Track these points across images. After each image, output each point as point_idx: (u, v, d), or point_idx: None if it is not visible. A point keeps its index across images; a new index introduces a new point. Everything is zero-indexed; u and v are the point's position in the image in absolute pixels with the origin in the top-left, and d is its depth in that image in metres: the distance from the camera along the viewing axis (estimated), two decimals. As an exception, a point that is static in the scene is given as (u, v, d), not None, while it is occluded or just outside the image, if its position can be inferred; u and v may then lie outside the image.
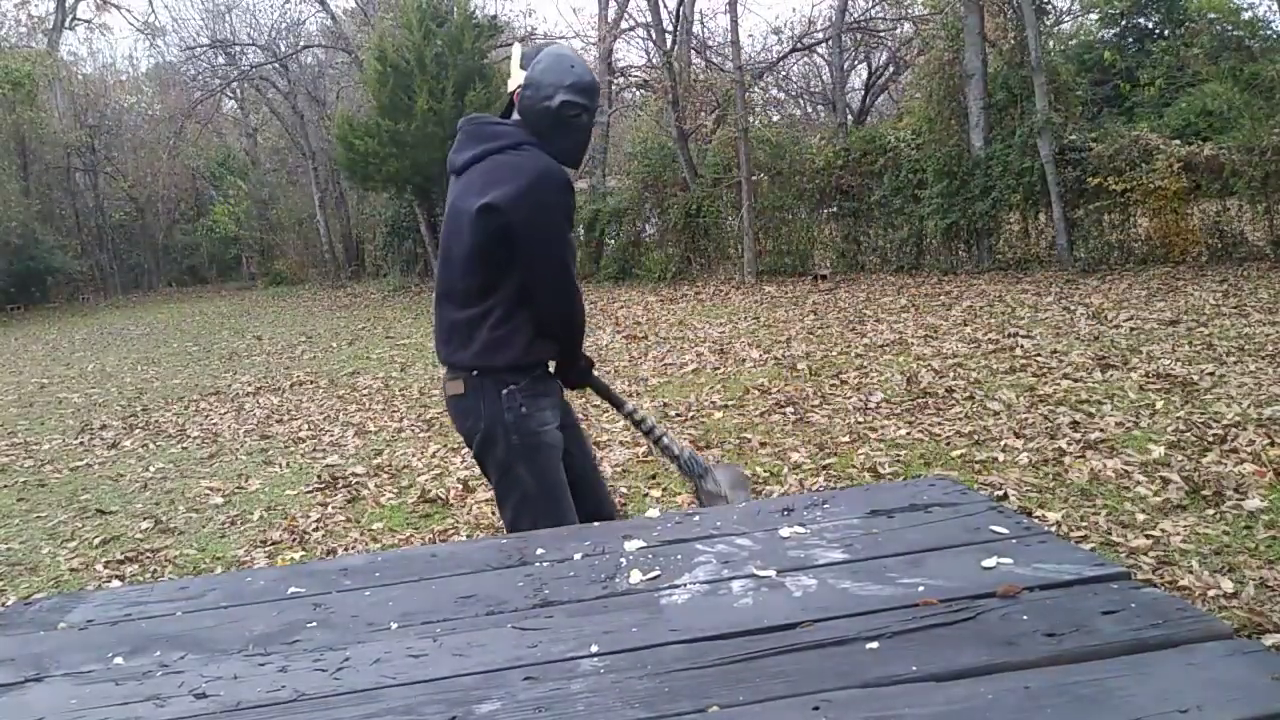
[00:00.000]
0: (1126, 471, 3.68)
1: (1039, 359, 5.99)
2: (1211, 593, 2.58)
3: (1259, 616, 2.40)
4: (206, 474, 5.28)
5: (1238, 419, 4.20)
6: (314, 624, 1.14)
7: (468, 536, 3.74)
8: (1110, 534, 3.09)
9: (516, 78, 2.00)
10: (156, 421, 7.00)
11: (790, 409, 5.30)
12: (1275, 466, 3.52)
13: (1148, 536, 3.04)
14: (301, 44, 20.98)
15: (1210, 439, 3.97)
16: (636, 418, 2.34)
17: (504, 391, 1.94)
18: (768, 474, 4.14)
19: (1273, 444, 3.78)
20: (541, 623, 1.08)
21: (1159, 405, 4.59)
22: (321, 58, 21.84)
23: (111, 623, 1.23)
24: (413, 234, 17.73)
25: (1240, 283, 8.18)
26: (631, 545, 1.33)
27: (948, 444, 4.36)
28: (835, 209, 12.50)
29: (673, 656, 0.96)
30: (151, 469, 5.51)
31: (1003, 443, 4.26)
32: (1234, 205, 9.76)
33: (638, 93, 18.08)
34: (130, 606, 1.28)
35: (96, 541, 4.21)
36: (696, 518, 1.44)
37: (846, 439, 4.58)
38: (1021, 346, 6.43)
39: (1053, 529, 2.71)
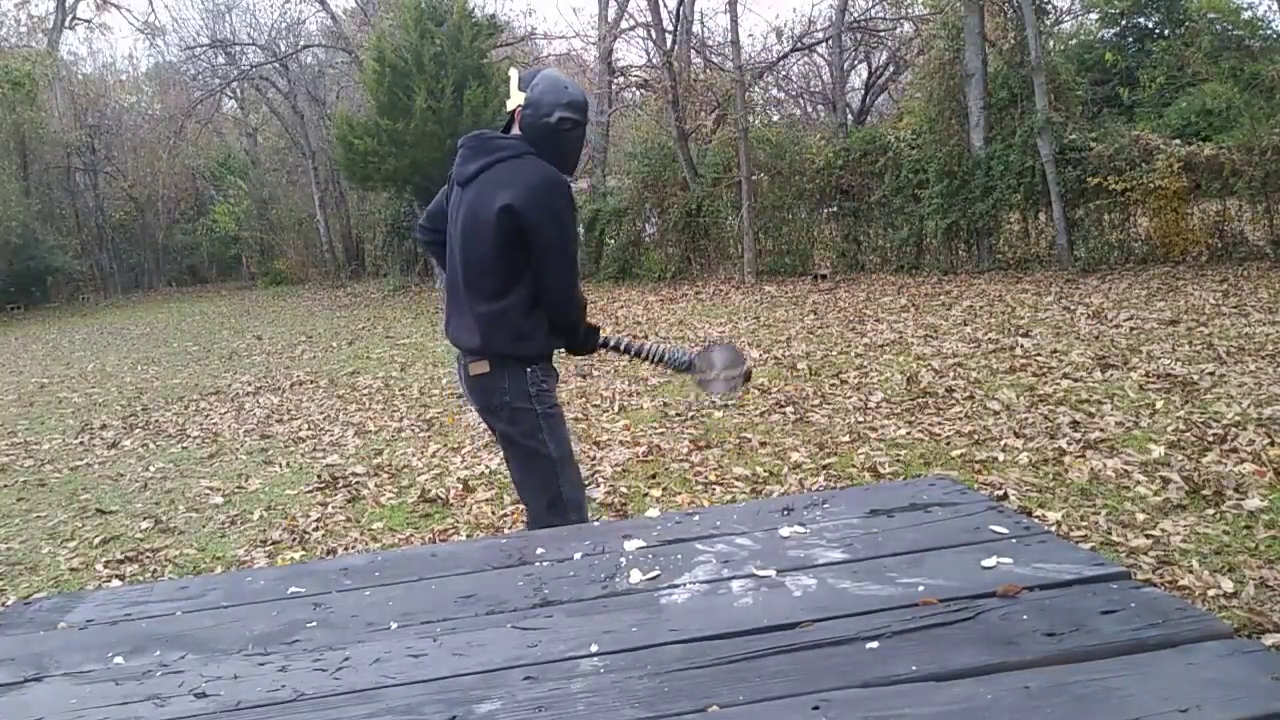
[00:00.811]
0: (1126, 471, 3.67)
1: (1039, 359, 5.99)
2: (1211, 592, 2.58)
3: (1259, 616, 2.40)
4: (206, 474, 5.28)
5: (1238, 419, 4.20)
6: (314, 624, 1.14)
7: (467, 536, 3.74)
8: (1110, 534, 3.09)
9: (516, 98, 2.28)
10: (156, 421, 7.00)
11: (790, 408, 5.30)
12: (1275, 466, 3.52)
13: (1148, 536, 3.04)
14: (301, 44, 20.97)
15: (1210, 439, 3.97)
16: (634, 349, 2.54)
17: (528, 370, 2.26)
18: (768, 474, 4.14)
19: (1273, 444, 3.78)
20: (541, 622, 1.08)
21: (1159, 405, 4.59)
22: (321, 57, 21.83)
23: (111, 622, 1.23)
24: (413, 234, 17.72)
25: (1240, 282, 8.18)
26: (631, 545, 1.33)
27: (948, 444, 4.36)
28: (835, 209, 12.50)
29: (672, 656, 0.96)
30: (151, 469, 5.51)
31: (1003, 442, 4.26)
32: (1234, 205, 9.76)
33: (638, 93, 18.08)
34: (130, 606, 1.28)
35: (96, 541, 4.21)
36: (696, 517, 1.44)
37: (846, 439, 4.58)
38: (1021, 346, 6.43)
39: (1053, 529, 2.71)
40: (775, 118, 18.08)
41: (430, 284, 16.64)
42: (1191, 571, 2.73)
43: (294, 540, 3.97)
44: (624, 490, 4.16)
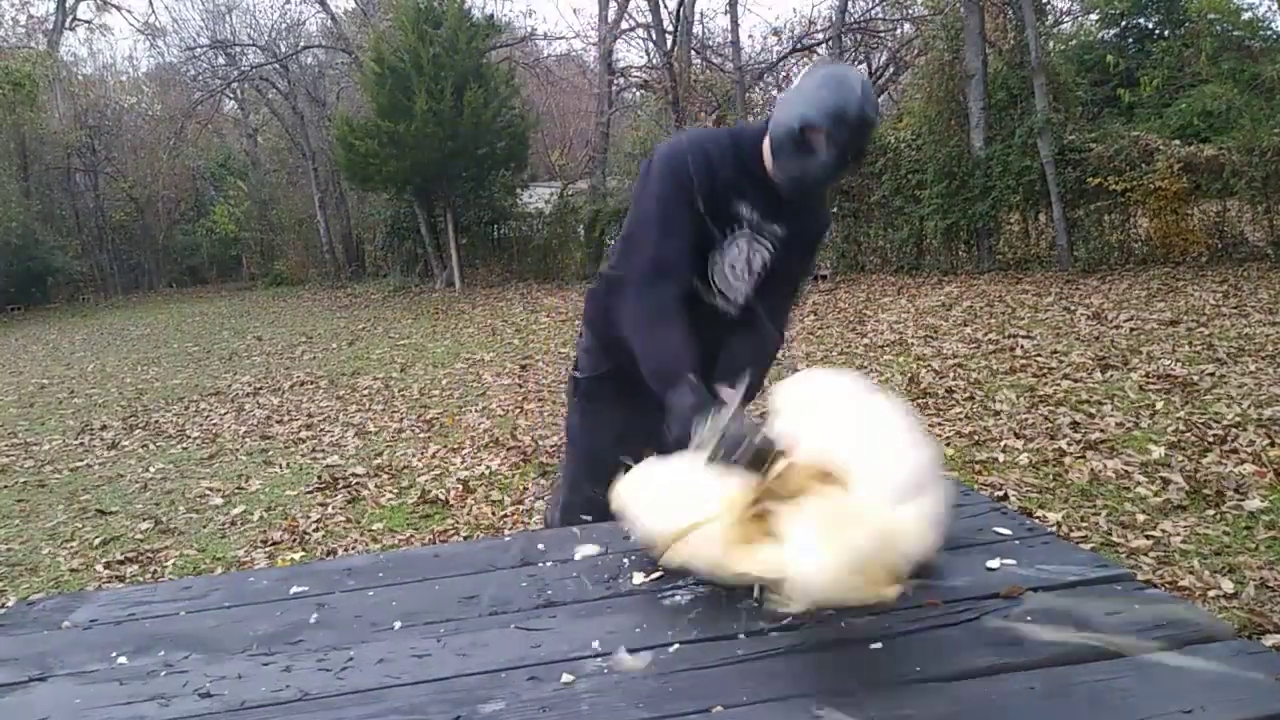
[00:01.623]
0: (1127, 472, 3.68)
1: (1039, 359, 5.99)
2: (1212, 593, 2.58)
3: (1259, 617, 2.41)
4: (206, 474, 5.27)
5: (1238, 419, 4.20)
6: (317, 624, 1.14)
7: (467, 537, 3.74)
8: (1110, 534, 3.09)
9: None
10: (156, 422, 7.00)
11: (791, 409, 5.30)
12: (1275, 467, 3.52)
13: (1148, 537, 3.04)
14: (301, 44, 20.98)
15: (1210, 439, 3.97)
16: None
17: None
18: (768, 474, 4.14)
19: (1273, 444, 3.78)
20: (545, 623, 1.08)
21: (1159, 406, 4.59)
22: (321, 58, 21.83)
23: (115, 623, 1.23)
24: (413, 234, 17.72)
25: (1240, 283, 8.18)
26: (634, 546, 1.33)
27: (948, 444, 4.36)
28: (835, 209, 12.51)
29: (677, 657, 0.96)
30: (152, 469, 5.50)
31: (1003, 443, 4.26)
32: (1234, 206, 9.76)
33: (638, 93, 18.08)
34: (133, 606, 1.28)
35: (96, 542, 4.21)
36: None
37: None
38: (1022, 347, 6.43)
39: (1053, 529, 2.71)
40: (775, 118, 18.05)
41: (430, 285, 16.65)
42: (1192, 572, 2.74)
43: (294, 541, 3.97)
44: (625, 491, 4.16)
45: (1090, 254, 10.35)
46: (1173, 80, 11.64)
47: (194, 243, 25.38)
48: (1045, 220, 10.92)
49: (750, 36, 34.93)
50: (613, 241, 15.19)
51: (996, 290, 9.42)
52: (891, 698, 0.85)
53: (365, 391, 7.45)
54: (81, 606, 1.30)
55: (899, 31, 16.99)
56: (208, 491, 4.88)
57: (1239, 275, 8.60)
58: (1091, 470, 3.73)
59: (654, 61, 16.00)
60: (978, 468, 3.96)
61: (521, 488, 4.39)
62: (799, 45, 17.16)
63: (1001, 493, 3.56)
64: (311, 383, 8.15)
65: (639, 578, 1.20)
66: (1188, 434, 4.08)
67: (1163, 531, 3.06)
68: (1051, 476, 3.75)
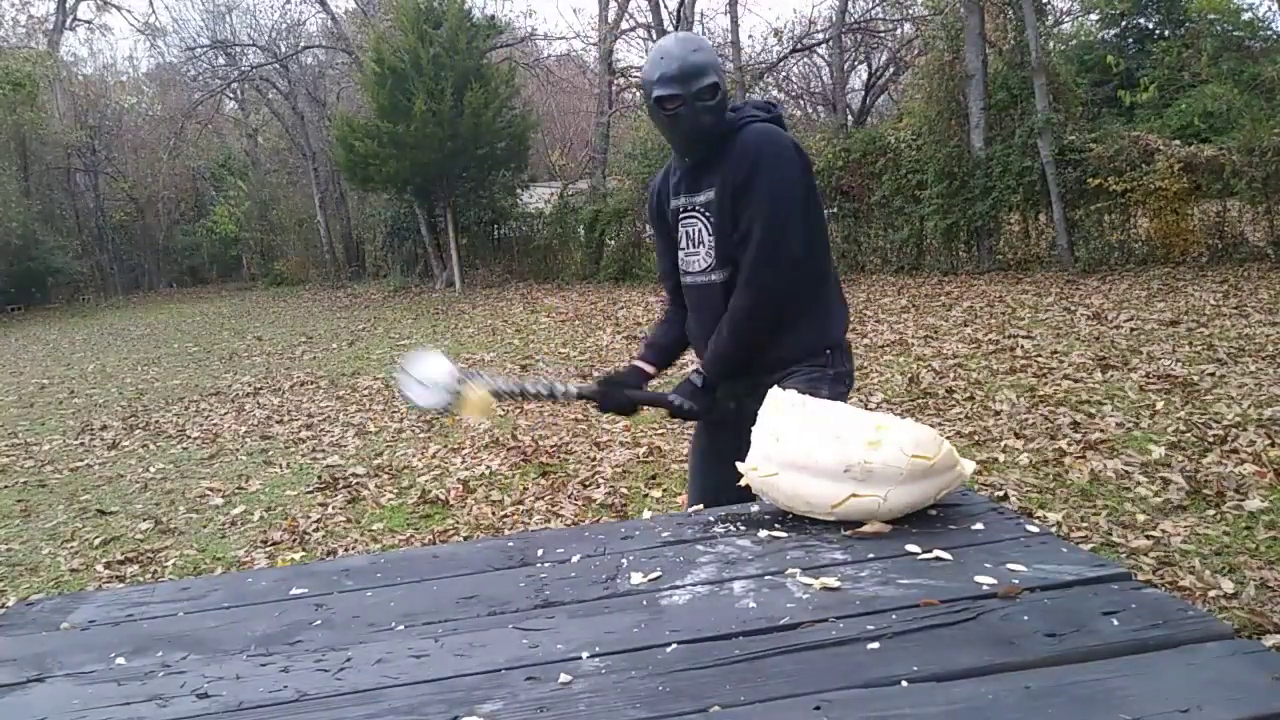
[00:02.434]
0: (1127, 472, 3.68)
1: (1039, 359, 6.00)
2: (1212, 593, 2.58)
3: (1259, 617, 2.41)
4: (207, 474, 5.28)
5: (1238, 419, 4.21)
6: (316, 624, 1.14)
7: (467, 537, 3.75)
8: (1111, 534, 3.10)
9: None
10: (157, 422, 7.00)
11: (790, 409, 5.30)
12: (1276, 467, 3.52)
13: (1148, 537, 3.04)
14: (302, 45, 21.00)
15: (1211, 439, 3.97)
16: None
17: None
18: (768, 474, 4.14)
19: (1273, 444, 3.78)
20: (543, 623, 1.08)
21: (1159, 406, 4.60)
22: (322, 58, 21.86)
23: (114, 623, 1.23)
24: (413, 234, 17.74)
25: (1240, 283, 8.18)
26: (632, 546, 1.33)
27: (948, 444, 4.36)
28: (835, 209, 12.51)
29: (674, 657, 0.96)
30: (152, 469, 5.51)
31: (1003, 443, 4.26)
32: (1234, 206, 9.76)
33: (638, 93, 18.07)
34: (132, 607, 1.28)
35: (97, 542, 4.22)
36: (696, 518, 1.44)
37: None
38: (1022, 347, 6.43)
39: (1053, 530, 2.71)
40: (775, 118, 18.05)
41: (430, 285, 16.65)
42: (1192, 572, 2.74)
43: (294, 541, 3.98)
44: (624, 491, 4.16)
45: (1090, 254, 10.35)
46: (1173, 80, 11.64)
47: (194, 243, 25.41)
48: (1045, 220, 10.92)
49: (750, 36, 34.98)
50: (612, 242, 15.17)
51: (997, 290, 9.43)
52: (889, 697, 0.85)
53: (365, 391, 7.45)
54: (80, 607, 1.30)
55: (899, 31, 17.00)
56: (208, 491, 4.88)
57: (1239, 275, 8.60)
58: (1092, 470, 3.73)
59: (654, 61, 15.97)
60: (978, 468, 3.96)
61: (521, 488, 4.40)
62: (799, 45, 17.16)
63: (1001, 493, 3.56)
64: (312, 383, 8.16)
65: (637, 578, 1.20)
66: (1188, 434, 4.09)
67: (1163, 532, 3.06)
68: (1052, 476, 3.76)
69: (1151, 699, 0.81)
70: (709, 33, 19.72)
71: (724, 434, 2.02)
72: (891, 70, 18.63)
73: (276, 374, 8.88)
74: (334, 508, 4.40)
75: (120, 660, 1.09)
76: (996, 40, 11.22)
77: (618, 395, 2.14)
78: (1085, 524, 3.21)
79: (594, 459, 4.77)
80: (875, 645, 0.94)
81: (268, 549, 3.92)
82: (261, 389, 8.09)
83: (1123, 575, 1.09)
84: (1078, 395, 4.99)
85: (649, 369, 2.21)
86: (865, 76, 19.39)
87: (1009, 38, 11.06)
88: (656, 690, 0.89)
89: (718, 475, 1.99)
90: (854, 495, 1.27)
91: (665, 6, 15.04)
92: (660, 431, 5.18)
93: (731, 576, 1.18)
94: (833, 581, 1.12)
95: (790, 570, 1.18)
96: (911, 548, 1.21)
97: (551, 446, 5.06)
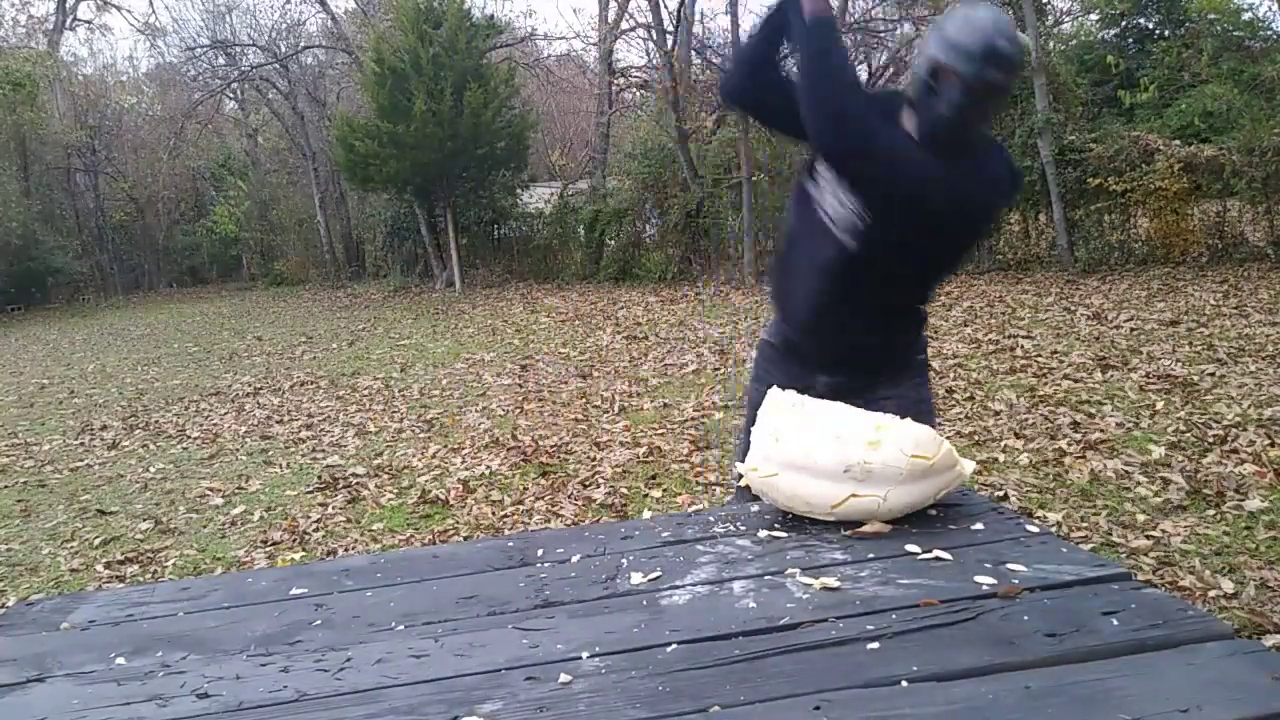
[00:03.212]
0: (1127, 472, 3.68)
1: (1039, 359, 6.00)
2: (1212, 593, 2.58)
3: (1259, 617, 2.41)
4: (207, 474, 5.28)
5: (1238, 419, 4.21)
6: (316, 624, 1.14)
7: (466, 537, 3.75)
8: (1111, 534, 3.10)
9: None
10: (157, 422, 7.00)
11: (790, 409, 5.30)
12: (1276, 467, 3.52)
13: (1148, 537, 3.04)
14: (302, 44, 20.99)
15: (1211, 439, 3.97)
16: None
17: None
18: (768, 474, 4.15)
19: (1273, 444, 3.78)
20: (543, 623, 1.08)
21: (1159, 406, 4.60)
22: (322, 58, 21.85)
23: (114, 623, 1.23)
24: (413, 234, 17.74)
25: (1240, 283, 8.18)
26: (632, 546, 1.33)
27: (948, 444, 4.36)
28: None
29: (674, 657, 0.97)
30: (152, 469, 5.51)
31: (1003, 443, 4.26)
32: (1234, 206, 9.76)
33: (638, 93, 18.08)
34: (132, 607, 1.28)
35: (96, 542, 4.22)
36: (696, 518, 1.45)
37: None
38: (1022, 347, 6.43)
39: (1053, 530, 2.71)
40: (776, 118, 18.05)
41: (430, 285, 16.66)
42: (1192, 572, 2.74)
43: (294, 541, 3.98)
44: (624, 491, 4.16)
45: (1090, 254, 10.35)
46: (1173, 80, 11.63)
47: (194, 243, 25.40)
48: (1045, 220, 10.91)
49: (750, 37, 34.88)
50: (612, 242, 15.11)
51: (996, 290, 9.43)
52: (889, 697, 0.85)
53: (365, 391, 7.45)
54: (80, 607, 1.30)
55: (899, 31, 16.99)
56: (208, 491, 4.88)
57: (1239, 275, 8.60)
58: (1091, 470, 3.73)
59: (654, 61, 16.01)
60: (978, 468, 3.96)
61: (521, 488, 4.40)
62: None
63: (1001, 493, 3.56)
64: (312, 383, 8.16)
65: (637, 578, 1.20)
66: (1188, 434, 4.09)
67: (1163, 532, 3.06)
68: (1051, 476, 3.76)
69: (1152, 699, 0.81)
70: (709, 33, 19.75)
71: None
72: (891, 70, 18.62)
73: (276, 374, 8.88)
74: (334, 508, 4.40)
75: (120, 660, 1.09)
76: (996, 40, 11.20)
77: None
78: (1085, 524, 3.21)
79: (594, 459, 4.77)
80: (875, 645, 0.94)
81: (268, 549, 3.93)
82: (261, 389, 8.09)
83: (1122, 575, 1.09)
84: (1078, 395, 4.99)
85: None
86: (865, 76, 19.38)
87: (1009, 38, 11.04)
88: (656, 690, 0.89)
89: None
90: (854, 495, 1.27)
91: (665, 6, 15.04)
92: (660, 431, 5.18)
93: (731, 576, 1.18)
94: (832, 581, 1.12)
95: (790, 570, 1.18)
96: (911, 548, 1.21)
97: (551, 446, 5.06)
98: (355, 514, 4.28)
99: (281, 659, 1.05)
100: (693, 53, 16.22)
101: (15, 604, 1.47)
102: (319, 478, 4.93)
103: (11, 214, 19.95)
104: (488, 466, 4.78)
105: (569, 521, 3.82)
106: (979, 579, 1.10)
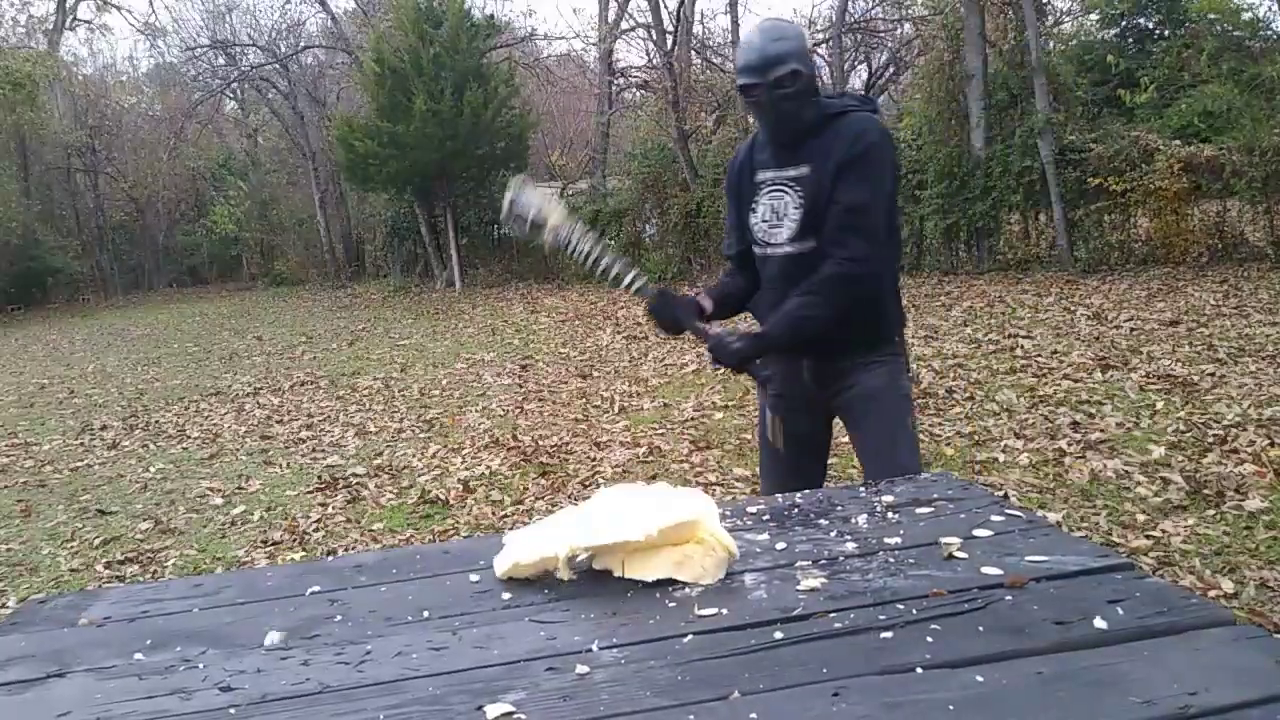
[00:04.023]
0: (1127, 472, 3.70)
1: (1039, 359, 6.02)
2: (1212, 593, 2.60)
3: (1259, 617, 2.42)
4: (207, 474, 5.29)
5: (1238, 419, 4.22)
6: (332, 619, 1.16)
7: (466, 537, 3.76)
8: (1111, 534, 3.11)
9: None
10: (157, 422, 7.01)
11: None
12: (1276, 467, 3.54)
13: (1148, 537, 3.06)
14: (302, 45, 21.00)
15: (1211, 439, 3.99)
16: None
17: None
18: (770, 473, 4.16)
19: (1273, 444, 3.80)
20: (559, 616, 1.10)
21: (1159, 406, 4.61)
22: (322, 58, 21.85)
23: (129, 619, 1.24)
24: (413, 234, 17.74)
25: (1240, 283, 8.21)
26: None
27: (948, 444, 4.38)
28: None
29: (690, 647, 0.98)
30: (152, 469, 5.52)
31: (1003, 443, 4.28)
32: (1234, 206, 9.78)
33: (638, 93, 18.09)
34: (146, 604, 1.29)
35: (97, 542, 4.23)
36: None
37: (847, 440, 4.60)
38: (1022, 347, 6.45)
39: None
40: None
41: (430, 285, 16.66)
42: (1192, 572, 2.75)
43: (294, 541, 3.99)
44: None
45: (1090, 254, 10.37)
46: (1173, 80, 11.65)
47: (194, 243, 25.39)
48: (1045, 220, 10.93)
49: (749, 37, 34.90)
50: (612, 242, 15.20)
51: (996, 290, 9.45)
52: (903, 683, 0.87)
53: (365, 391, 7.46)
54: (94, 604, 1.31)
55: (899, 31, 17.02)
56: (208, 491, 4.89)
57: (1239, 275, 8.62)
58: (1091, 470, 3.75)
59: (654, 61, 16.00)
60: (978, 468, 3.98)
61: (521, 488, 4.41)
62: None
63: (1002, 493, 3.57)
64: (312, 383, 8.16)
65: (649, 572, 1.21)
66: (1188, 434, 4.10)
67: (1163, 531, 3.08)
68: (1051, 476, 3.77)
69: (1159, 683, 0.83)
70: (709, 33, 19.77)
71: (799, 417, 2.20)
72: (891, 70, 18.65)
73: (276, 374, 8.89)
74: (334, 508, 4.41)
75: (139, 655, 1.10)
76: (996, 40, 11.24)
77: (670, 308, 2.20)
78: (1085, 524, 3.23)
79: (594, 459, 4.79)
80: (888, 634, 0.96)
81: (268, 549, 3.94)
82: (261, 389, 8.10)
83: (1126, 565, 1.11)
84: (1078, 395, 5.00)
85: (706, 304, 2.24)
86: (865, 76, 19.41)
87: (1009, 38, 11.08)
88: (676, 680, 0.90)
89: (795, 460, 2.25)
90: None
91: (665, 6, 15.05)
92: (660, 432, 5.19)
93: (742, 569, 1.19)
94: (843, 573, 1.14)
95: (800, 563, 1.19)
96: (920, 540, 1.23)
97: (551, 446, 5.08)
98: (355, 514, 4.29)
99: (301, 653, 1.06)
100: (693, 53, 16.23)
101: (28, 601, 1.48)
102: (319, 478, 4.94)
103: (11, 214, 19.95)
104: (488, 466, 4.79)
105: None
106: (986, 569, 1.12)
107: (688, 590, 1.13)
